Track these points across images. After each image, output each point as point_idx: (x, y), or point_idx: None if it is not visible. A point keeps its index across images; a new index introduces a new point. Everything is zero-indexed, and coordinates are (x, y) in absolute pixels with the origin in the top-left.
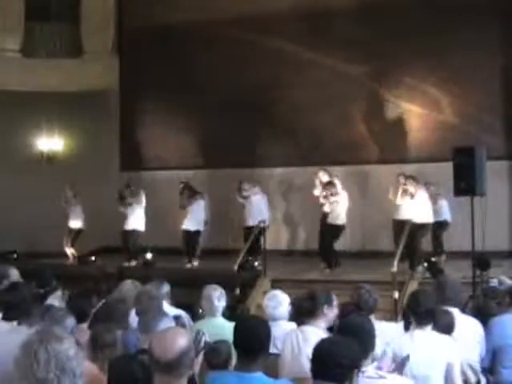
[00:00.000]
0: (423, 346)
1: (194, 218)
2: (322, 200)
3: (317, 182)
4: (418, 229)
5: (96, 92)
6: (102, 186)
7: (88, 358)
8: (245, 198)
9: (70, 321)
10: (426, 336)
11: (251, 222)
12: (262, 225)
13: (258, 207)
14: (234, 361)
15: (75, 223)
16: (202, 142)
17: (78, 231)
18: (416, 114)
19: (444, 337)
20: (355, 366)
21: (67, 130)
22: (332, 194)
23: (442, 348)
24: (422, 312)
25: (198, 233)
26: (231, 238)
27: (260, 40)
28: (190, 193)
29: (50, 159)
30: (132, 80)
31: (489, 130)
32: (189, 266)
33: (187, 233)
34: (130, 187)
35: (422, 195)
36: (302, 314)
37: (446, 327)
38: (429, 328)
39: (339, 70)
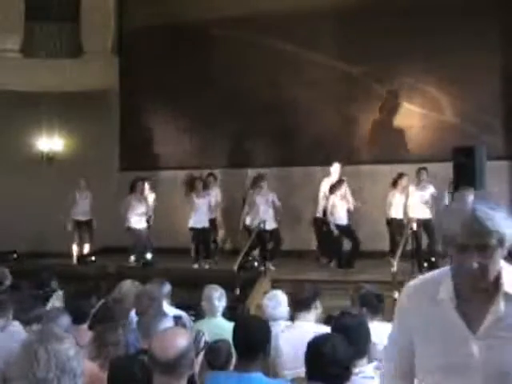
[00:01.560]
0: None
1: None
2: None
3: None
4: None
5: (96, 92)
6: (101, 186)
7: (90, 355)
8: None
9: (65, 320)
10: None
11: (248, 222)
12: (261, 225)
13: (259, 207)
14: (234, 361)
15: (83, 215)
16: (202, 142)
17: (88, 223)
18: (416, 113)
19: None
20: (350, 365)
21: (67, 130)
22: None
23: None
24: None
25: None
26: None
27: (260, 40)
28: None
29: (50, 159)
30: (132, 80)
31: (489, 130)
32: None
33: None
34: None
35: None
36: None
37: None
38: None
39: (339, 70)
